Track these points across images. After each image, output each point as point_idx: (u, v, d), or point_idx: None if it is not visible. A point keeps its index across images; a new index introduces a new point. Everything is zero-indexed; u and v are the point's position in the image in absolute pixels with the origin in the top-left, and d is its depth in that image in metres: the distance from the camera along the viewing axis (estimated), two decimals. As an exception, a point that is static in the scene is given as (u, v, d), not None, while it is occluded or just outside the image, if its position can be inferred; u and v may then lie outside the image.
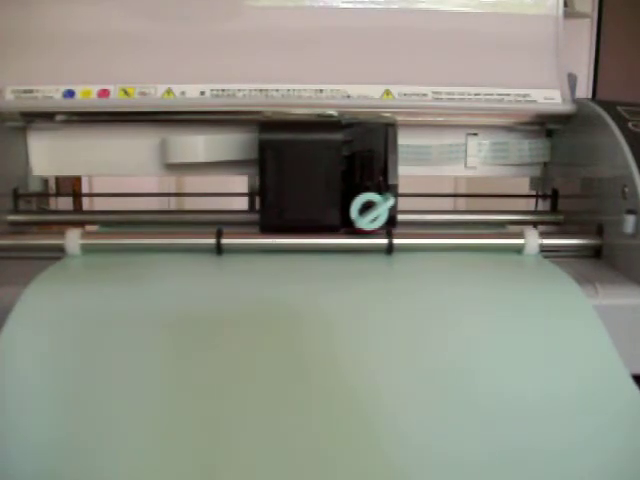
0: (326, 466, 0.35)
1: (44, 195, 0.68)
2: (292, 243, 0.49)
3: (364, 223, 0.47)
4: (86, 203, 1.28)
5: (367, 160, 0.49)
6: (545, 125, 0.61)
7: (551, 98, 0.59)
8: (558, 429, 0.36)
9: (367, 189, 0.48)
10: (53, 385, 0.37)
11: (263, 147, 0.49)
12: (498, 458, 0.35)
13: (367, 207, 0.48)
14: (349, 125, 0.50)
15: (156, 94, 0.57)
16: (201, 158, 0.56)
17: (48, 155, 0.60)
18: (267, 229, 0.49)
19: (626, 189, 0.48)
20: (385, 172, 0.49)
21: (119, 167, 0.60)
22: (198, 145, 0.56)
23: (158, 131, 0.59)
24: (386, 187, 0.49)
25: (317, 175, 0.49)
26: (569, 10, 1.46)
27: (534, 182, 0.64)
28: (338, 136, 0.49)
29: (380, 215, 0.47)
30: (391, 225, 0.49)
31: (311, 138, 0.49)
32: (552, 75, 0.60)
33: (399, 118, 0.58)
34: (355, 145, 0.50)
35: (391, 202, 0.48)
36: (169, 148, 0.57)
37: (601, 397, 0.38)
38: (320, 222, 0.49)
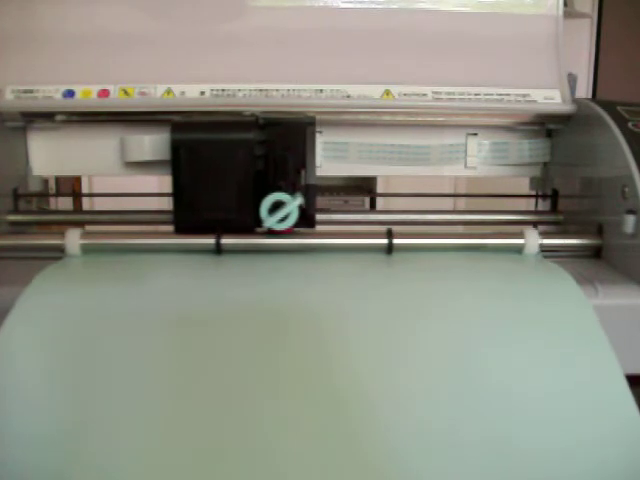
0: (326, 465, 0.35)
1: (44, 195, 0.68)
2: (292, 243, 0.49)
3: (272, 222, 0.47)
4: (86, 203, 1.28)
5: (280, 160, 0.48)
6: (545, 125, 0.61)
7: (551, 98, 0.59)
8: (555, 428, 0.36)
9: (279, 189, 0.48)
10: (53, 385, 0.37)
11: (176, 147, 0.48)
12: (495, 456, 0.35)
13: (278, 207, 0.47)
14: (266, 125, 0.49)
15: (156, 94, 0.57)
16: (148, 157, 0.56)
17: (48, 155, 0.60)
18: (181, 229, 0.49)
19: (626, 189, 0.48)
20: (304, 171, 0.49)
21: (119, 167, 0.60)
22: (144, 144, 0.56)
23: (158, 131, 0.59)
24: (306, 187, 0.49)
25: (230, 175, 0.48)
26: (569, 10, 1.46)
27: (534, 182, 0.64)
28: (250, 135, 0.48)
29: (289, 214, 0.47)
30: (309, 225, 0.49)
31: (223, 137, 0.48)
32: (552, 75, 0.60)
33: (399, 118, 0.59)
34: (275, 145, 0.49)
35: (299, 201, 0.47)
36: (124, 147, 0.57)
37: (598, 397, 0.38)
38: (234, 222, 0.49)
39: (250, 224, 0.49)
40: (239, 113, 0.54)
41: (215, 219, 0.49)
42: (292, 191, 0.48)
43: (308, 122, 0.49)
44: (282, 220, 0.47)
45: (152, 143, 0.56)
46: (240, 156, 0.48)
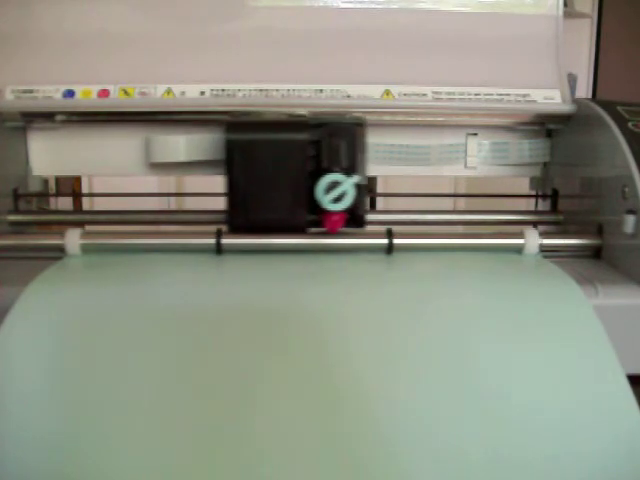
0: (327, 465, 0.35)
1: (44, 195, 0.68)
2: (292, 243, 0.49)
3: (328, 201, 0.47)
4: (86, 203, 1.28)
5: (334, 147, 0.48)
6: (545, 125, 0.61)
7: (551, 98, 0.59)
8: (555, 429, 0.36)
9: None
10: (53, 385, 0.37)
11: (230, 147, 0.49)
12: (496, 458, 0.35)
13: (333, 188, 0.47)
14: (318, 125, 0.49)
15: (156, 94, 0.57)
16: (182, 158, 0.56)
17: (48, 155, 0.60)
18: (235, 229, 0.49)
19: (626, 189, 0.48)
20: (354, 163, 0.49)
21: (119, 167, 0.60)
22: (179, 144, 0.56)
23: (158, 131, 0.59)
24: (356, 187, 0.48)
25: (284, 175, 0.48)
26: (569, 10, 1.46)
27: (534, 182, 0.64)
28: (304, 136, 0.48)
29: (345, 193, 0.47)
30: (358, 225, 0.49)
31: (277, 138, 0.49)
32: (552, 75, 0.60)
33: (399, 118, 0.59)
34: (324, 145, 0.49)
35: (355, 179, 0.47)
36: (151, 148, 0.57)
37: (598, 397, 0.38)
38: (286, 222, 0.49)
39: (303, 224, 0.49)
40: (288, 113, 0.54)
41: (268, 219, 0.49)
42: (347, 174, 0.48)
43: (358, 123, 0.50)
44: (338, 200, 0.47)
45: (187, 143, 0.56)
46: (294, 156, 0.48)
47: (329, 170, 0.48)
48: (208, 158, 0.56)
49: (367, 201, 0.49)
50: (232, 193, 0.49)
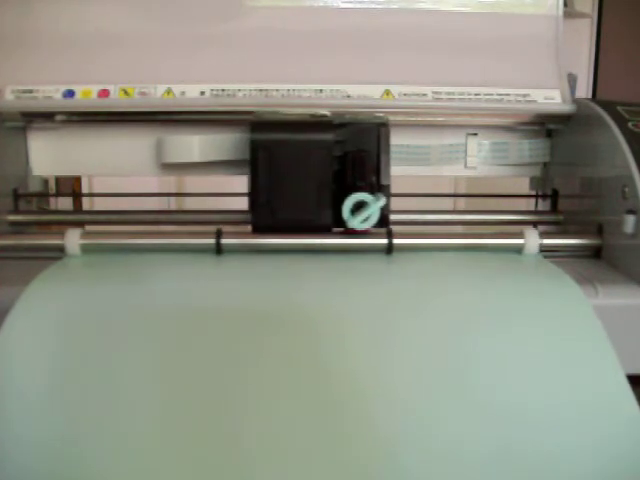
0: (328, 464, 0.35)
1: (44, 195, 0.68)
2: (292, 243, 0.49)
3: (356, 223, 0.47)
4: (86, 203, 1.28)
5: (359, 160, 0.49)
6: (545, 125, 0.61)
7: (551, 98, 0.59)
8: (555, 428, 0.36)
9: (359, 189, 0.48)
10: (53, 385, 0.37)
11: (254, 147, 0.49)
12: (496, 457, 0.35)
13: (359, 207, 0.48)
14: (341, 125, 0.50)
15: (156, 94, 0.57)
16: (196, 158, 0.56)
17: (48, 155, 0.60)
18: (259, 229, 0.49)
19: (626, 189, 0.48)
20: (378, 172, 0.49)
21: (119, 167, 0.60)
22: (193, 145, 0.56)
23: (158, 131, 0.59)
24: (379, 187, 0.49)
25: (309, 175, 0.48)
26: (569, 10, 1.46)
27: (534, 182, 0.64)
28: (330, 136, 0.49)
29: (372, 215, 0.47)
30: (383, 225, 0.49)
31: (302, 138, 0.49)
32: (552, 75, 0.60)
33: (399, 118, 0.59)
34: (347, 145, 0.49)
35: (382, 202, 0.48)
36: (165, 148, 0.57)
37: (598, 398, 0.38)
38: (312, 222, 0.49)
39: (328, 224, 0.49)
40: (314, 114, 0.54)
41: (293, 219, 0.49)
42: (371, 191, 0.48)
43: (381, 123, 0.50)
44: (364, 221, 0.47)
45: (201, 144, 0.56)
46: (319, 156, 0.48)
47: (354, 186, 0.48)
48: (224, 158, 0.56)
49: (390, 202, 0.50)
50: (256, 193, 0.49)
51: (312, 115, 0.53)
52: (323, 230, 0.49)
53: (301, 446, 0.35)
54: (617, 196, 0.49)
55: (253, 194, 0.49)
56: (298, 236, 0.49)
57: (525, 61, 0.61)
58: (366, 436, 0.36)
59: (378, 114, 0.52)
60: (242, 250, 0.49)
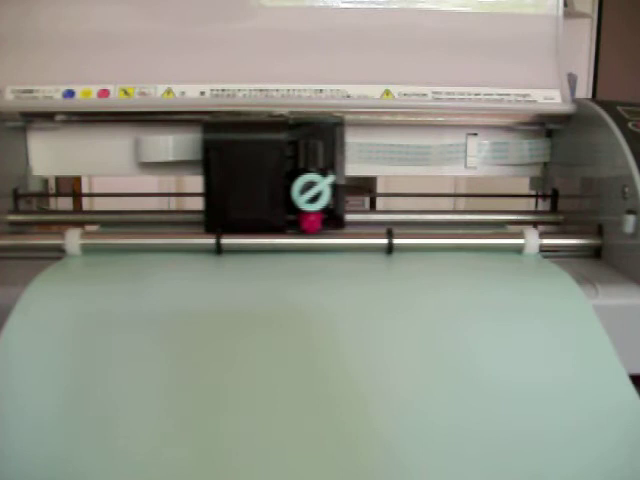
0: (328, 464, 0.35)
1: (44, 195, 0.68)
2: (292, 243, 0.49)
3: (303, 202, 0.47)
4: (86, 203, 1.28)
5: (311, 147, 0.48)
6: (545, 125, 0.61)
7: (551, 98, 0.59)
8: (555, 428, 0.36)
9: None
10: (53, 385, 0.37)
11: (207, 148, 0.48)
12: (497, 456, 0.35)
13: (309, 188, 0.47)
14: (296, 125, 0.49)
15: (156, 94, 0.57)
16: (170, 157, 0.56)
17: (48, 155, 0.60)
18: (212, 229, 0.49)
19: (626, 189, 0.48)
20: (332, 165, 0.49)
21: (119, 167, 0.60)
22: (168, 144, 0.56)
23: (158, 131, 0.59)
24: (335, 188, 0.48)
25: (261, 175, 0.48)
26: (569, 10, 1.46)
27: (534, 182, 0.64)
28: (282, 136, 0.48)
29: (321, 193, 0.47)
30: (338, 226, 0.49)
31: (255, 138, 0.48)
32: (552, 75, 0.60)
33: (399, 118, 0.59)
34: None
35: (330, 179, 0.47)
36: (141, 148, 0.57)
37: (599, 396, 0.38)
38: (265, 222, 0.49)
39: (281, 224, 0.49)
40: (268, 113, 0.53)
41: (246, 219, 0.49)
42: (323, 174, 0.47)
43: (337, 122, 0.49)
44: (313, 200, 0.47)
45: (175, 143, 0.56)
46: (272, 157, 0.48)
47: (306, 170, 0.48)
48: (192, 158, 0.56)
49: (344, 202, 0.49)
50: (209, 193, 0.49)
51: (269, 115, 0.53)
52: (276, 230, 0.49)
53: (301, 445, 0.35)
54: (617, 196, 0.49)
55: (206, 194, 0.49)
56: (298, 236, 0.49)
57: (525, 61, 0.61)
58: (366, 436, 0.36)
59: (336, 114, 0.52)
60: (242, 250, 0.49)
